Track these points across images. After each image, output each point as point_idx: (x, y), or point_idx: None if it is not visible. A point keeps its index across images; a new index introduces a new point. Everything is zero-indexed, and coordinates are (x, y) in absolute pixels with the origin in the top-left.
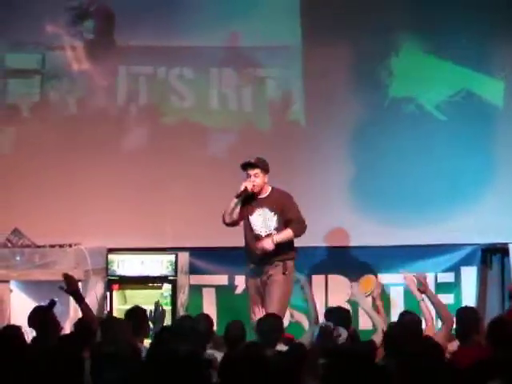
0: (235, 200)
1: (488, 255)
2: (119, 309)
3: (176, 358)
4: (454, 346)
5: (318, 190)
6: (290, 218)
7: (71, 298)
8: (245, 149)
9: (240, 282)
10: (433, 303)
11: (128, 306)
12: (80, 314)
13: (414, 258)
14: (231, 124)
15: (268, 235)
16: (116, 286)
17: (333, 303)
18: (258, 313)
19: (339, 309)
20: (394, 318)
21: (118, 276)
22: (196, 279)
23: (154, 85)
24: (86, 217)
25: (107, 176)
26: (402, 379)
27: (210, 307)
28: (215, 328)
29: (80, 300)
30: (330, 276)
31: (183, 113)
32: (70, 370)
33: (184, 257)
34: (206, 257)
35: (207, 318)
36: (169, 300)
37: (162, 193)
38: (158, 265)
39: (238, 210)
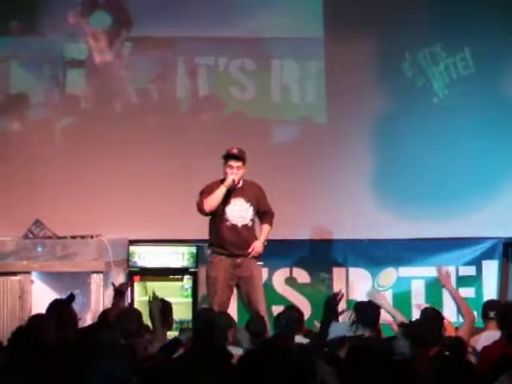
0: (223, 191)
1: (510, 249)
2: (140, 300)
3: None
4: (476, 341)
5: (341, 183)
6: (264, 210)
7: (92, 290)
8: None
9: (263, 274)
10: (453, 298)
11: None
12: (101, 307)
13: (435, 251)
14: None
15: (248, 228)
16: (137, 278)
17: (353, 296)
18: (224, 303)
19: (369, 304)
20: (415, 311)
21: (139, 268)
22: None
23: (214, 76)
24: (108, 208)
25: (130, 168)
26: (423, 374)
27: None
28: (236, 321)
29: (120, 300)
30: (350, 269)
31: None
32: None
33: (206, 249)
34: None
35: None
36: (190, 292)
37: (186, 184)
38: (179, 257)
39: (220, 201)
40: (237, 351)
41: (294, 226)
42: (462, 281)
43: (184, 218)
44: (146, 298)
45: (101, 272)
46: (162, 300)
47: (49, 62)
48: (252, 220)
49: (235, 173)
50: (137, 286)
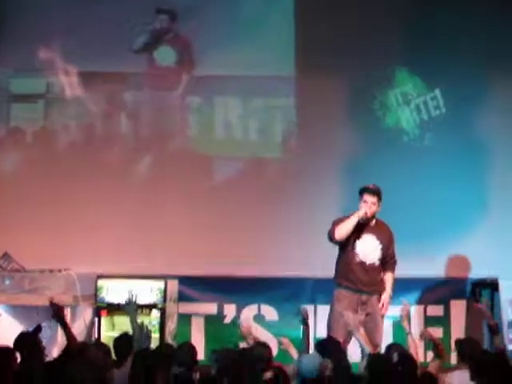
0: (355, 221)
1: (478, 289)
2: (107, 335)
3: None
4: (450, 377)
5: (311, 220)
6: (389, 253)
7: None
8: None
9: (229, 311)
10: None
11: (116, 333)
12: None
13: (403, 290)
14: (237, 153)
15: (375, 267)
16: (104, 312)
17: (321, 334)
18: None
19: (331, 340)
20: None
21: (106, 303)
22: (185, 307)
23: (159, 112)
24: (77, 242)
25: (99, 202)
26: None
27: (198, 336)
28: (202, 357)
29: (64, 326)
30: (319, 306)
31: (186, 141)
32: None
33: (173, 284)
34: (196, 285)
35: (191, 346)
36: (157, 328)
37: (153, 220)
38: (147, 292)
39: (351, 231)
40: None
41: (263, 263)
42: (430, 320)
43: (152, 254)
44: (113, 333)
45: (68, 306)
46: (126, 334)
47: None
48: (379, 260)
49: (369, 207)
50: (104, 320)
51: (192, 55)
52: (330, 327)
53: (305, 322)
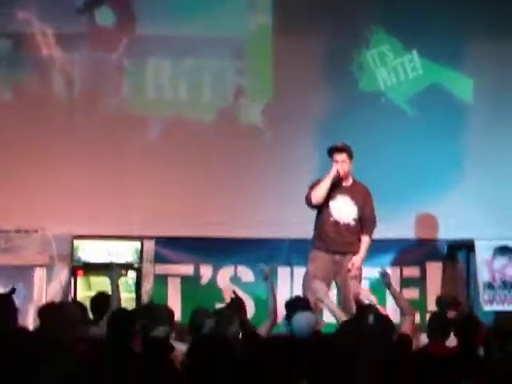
0: (328, 182)
1: (454, 250)
2: (83, 295)
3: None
4: (420, 340)
5: (285, 181)
6: (366, 215)
7: (35, 284)
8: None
9: (206, 272)
10: (394, 297)
11: (92, 293)
12: (44, 299)
13: (379, 252)
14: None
15: (350, 227)
16: (80, 272)
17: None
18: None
19: (299, 299)
20: None
21: (82, 263)
22: (161, 268)
23: (91, 72)
24: (52, 203)
25: (72, 163)
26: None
27: (174, 297)
28: (179, 318)
29: None
30: (295, 268)
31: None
32: None
33: (150, 245)
34: (172, 246)
35: (168, 308)
36: (133, 288)
37: (128, 181)
38: (123, 252)
39: (326, 193)
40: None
41: (238, 224)
42: (406, 282)
43: (128, 214)
44: (89, 293)
45: (44, 266)
46: (103, 294)
47: None
48: (355, 220)
49: (340, 165)
50: (80, 280)
51: (133, 15)
52: (304, 289)
53: (266, 279)
